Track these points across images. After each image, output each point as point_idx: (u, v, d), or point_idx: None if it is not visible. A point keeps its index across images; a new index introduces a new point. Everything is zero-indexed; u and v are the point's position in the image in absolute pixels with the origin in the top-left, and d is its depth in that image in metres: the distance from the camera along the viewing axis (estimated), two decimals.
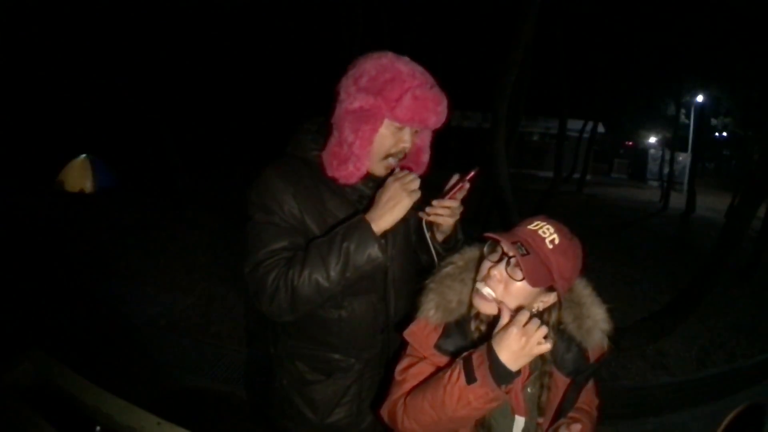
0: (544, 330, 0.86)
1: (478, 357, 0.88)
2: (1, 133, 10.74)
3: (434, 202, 1.15)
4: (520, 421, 1.02)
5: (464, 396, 0.87)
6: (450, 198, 1.15)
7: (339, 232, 1.07)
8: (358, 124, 1.08)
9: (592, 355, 1.04)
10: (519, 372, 0.87)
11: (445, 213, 1.15)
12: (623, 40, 11.20)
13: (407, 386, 1.02)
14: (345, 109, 1.10)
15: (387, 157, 1.14)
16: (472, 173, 1.15)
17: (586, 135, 17.81)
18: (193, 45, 10.80)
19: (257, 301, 1.09)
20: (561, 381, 1.03)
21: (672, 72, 12.55)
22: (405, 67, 1.09)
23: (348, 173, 1.12)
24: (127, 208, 7.61)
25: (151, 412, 1.13)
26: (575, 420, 1.00)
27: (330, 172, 1.14)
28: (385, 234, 1.12)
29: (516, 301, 0.95)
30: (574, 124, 16.76)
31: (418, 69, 1.11)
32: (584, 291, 1.06)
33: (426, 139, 1.23)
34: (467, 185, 1.16)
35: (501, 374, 0.86)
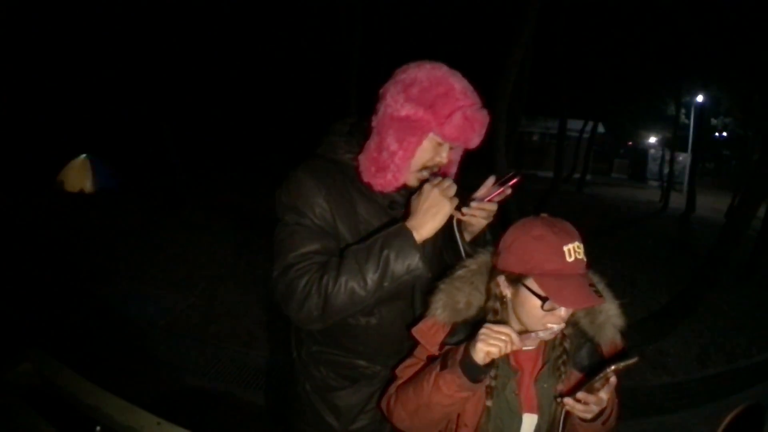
0: (493, 348, 0.89)
1: (457, 350, 0.94)
2: (2, 133, 10.74)
3: (473, 204, 1.11)
4: (530, 419, 1.02)
5: (437, 381, 0.94)
6: (489, 200, 1.12)
7: (378, 240, 1.03)
8: (403, 134, 1.05)
9: (606, 351, 1.04)
10: (487, 368, 0.92)
11: (481, 215, 1.12)
12: (623, 40, 11.19)
13: (402, 382, 1.07)
14: (390, 115, 1.06)
15: (422, 169, 1.11)
16: (516, 180, 1.12)
17: (586, 135, 17.81)
18: (193, 45, 10.80)
19: (285, 306, 1.05)
20: (573, 376, 1.02)
21: (672, 72, 12.56)
22: (458, 83, 1.07)
23: (385, 182, 1.09)
24: (127, 208, 7.61)
25: (151, 412, 1.13)
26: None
27: (366, 178, 1.11)
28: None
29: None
30: (574, 124, 16.74)
31: (469, 87, 1.09)
32: (597, 286, 1.05)
33: (458, 154, 1.21)
34: (509, 191, 1.12)
35: (469, 366, 0.91)
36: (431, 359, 1.04)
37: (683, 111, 16.63)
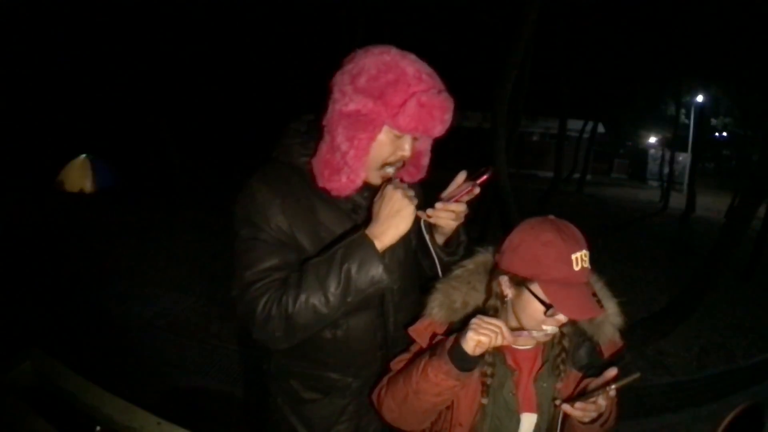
0: (483, 338, 0.89)
1: (448, 339, 0.94)
2: (2, 133, 10.74)
3: (438, 205, 1.03)
4: (529, 419, 1.02)
5: (425, 368, 0.93)
6: (456, 201, 1.03)
7: (338, 251, 0.96)
8: (353, 131, 0.96)
9: (605, 349, 1.05)
10: (476, 359, 0.91)
11: (448, 217, 1.05)
12: (623, 40, 11.20)
13: (393, 373, 1.07)
14: (339, 111, 0.97)
15: (384, 166, 1.02)
16: (485, 177, 1.03)
17: (586, 135, 17.80)
18: (193, 44, 10.80)
19: (247, 326, 1.00)
20: (573, 375, 1.03)
21: (672, 72, 12.56)
22: (410, 67, 0.96)
23: (341, 185, 1.00)
24: (127, 208, 7.61)
25: (151, 412, 1.13)
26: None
27: (321, 183, 1.02)
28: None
29: None
30: (574, 124, 16.73)
31: (425, 70, 0.98)
32: (596, 285, 1.06)
33: (427, 142, 1.12)
34: (477, 190, 1.04)
35: (458, 354, 0.90)
36: (423, 351, 1.04)
37: (683, 111, 16.63)
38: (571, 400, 0.94)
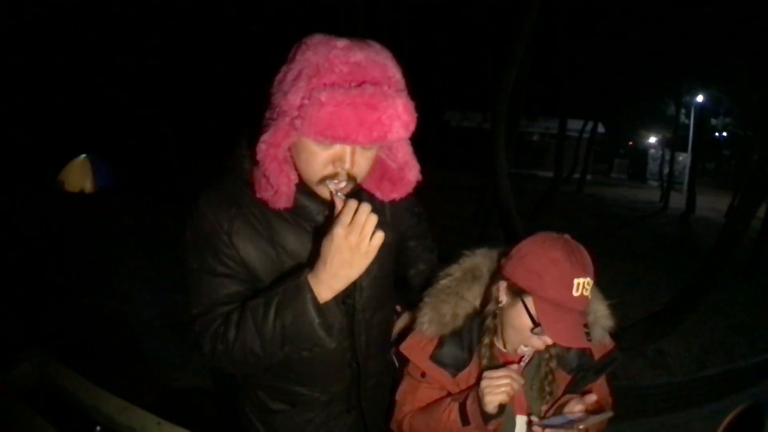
0: (501, 397, 0.93)
1: (471, 403, 0.97)
2: (1, 133, 10.75)
3: None
4: (522, 420, 1.03)
5: None
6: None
7: (275, 297, 0.85)
8: (259, 137, 0.83)
9: (595, 351, 1.04)
10: (501, 411, 0.96)
11: None
12: (623, 40, 11.20)
13: (407, 408, 1.09)
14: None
15: (322, 180, 0.84)
16: None
17: (586, 135, 17.80)
18: (192, 43, 10.81)
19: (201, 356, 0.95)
20: (562, 378, 1.04)
21: (672, 72, 12.56)
22: (318, 56, 0.75)
23: (271, 198, 0.88)
24: (127, 208, 7.61)
25: (151, 412, 1.13)
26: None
27: (258, 193, 0.89)
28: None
29: None
30: (574, 124, 16.74)
31: (350, 59, 0.75)
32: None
33: (400, 152, 0.91)
34: None
35: (487, 416, 0.95)
36: (448, 396, 1.05)
37: (683, 111, 16.65)
38: (542, 420, 0.97)
